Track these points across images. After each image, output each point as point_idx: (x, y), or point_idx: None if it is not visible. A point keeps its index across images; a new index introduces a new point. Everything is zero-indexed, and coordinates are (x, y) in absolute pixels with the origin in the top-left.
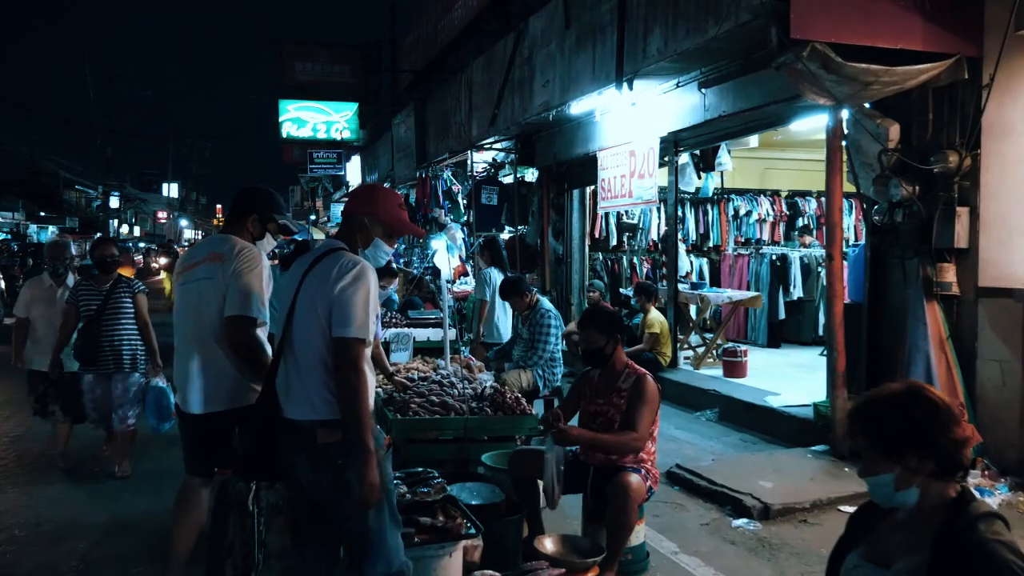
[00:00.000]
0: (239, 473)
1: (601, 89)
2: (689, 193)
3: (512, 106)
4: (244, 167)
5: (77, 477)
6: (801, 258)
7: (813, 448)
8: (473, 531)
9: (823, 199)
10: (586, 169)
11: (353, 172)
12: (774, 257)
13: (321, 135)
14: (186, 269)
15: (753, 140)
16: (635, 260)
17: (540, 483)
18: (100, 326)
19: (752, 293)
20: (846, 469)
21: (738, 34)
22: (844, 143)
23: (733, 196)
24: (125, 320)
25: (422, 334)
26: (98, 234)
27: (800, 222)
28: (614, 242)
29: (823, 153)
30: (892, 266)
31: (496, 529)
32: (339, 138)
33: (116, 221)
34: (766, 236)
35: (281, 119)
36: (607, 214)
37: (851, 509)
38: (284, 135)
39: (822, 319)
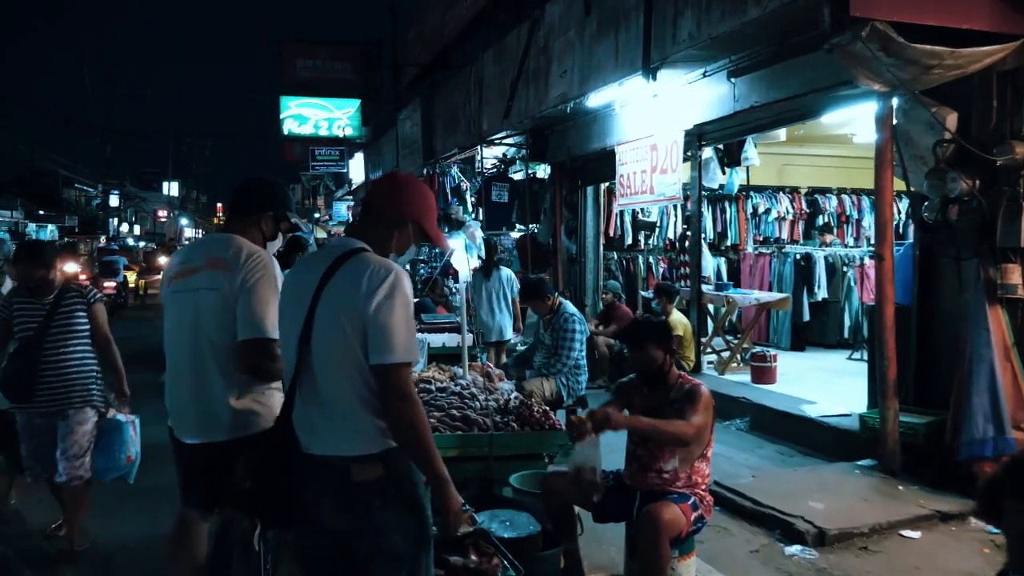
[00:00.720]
0: (244, 511)
1: (625, 78)
2: (712, 190)
3: (526, 99)
4: (244, 165)
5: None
6: (826, 257)
7: (859, 463)
8: (512, 573)
9: (844, 196)
10: (602, 164)
11: (356, 169)
12: (798, 256)
13: (323, 132)
14: (180, 275)
15: (781, 134)
16: (651, 260)
17: (576, 508)
18: (42, 350)
19: (780, 295)
20: (900, 488)
21: (780, 15)
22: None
23: (752, 193)
24: (77, 340)
25: (436, 340)
26: (90, 237)
27: (820, 220)
28: (629, 241)
29: (844, 149)
30: (944, 267)
31: (533, 567)
32: (341, 135)
33: (116, 220)
34: (785, 235)
35: (282, 116)
36: (622, 212)
37: (914, 535)
38: (285, 132)
39: (847, 321)
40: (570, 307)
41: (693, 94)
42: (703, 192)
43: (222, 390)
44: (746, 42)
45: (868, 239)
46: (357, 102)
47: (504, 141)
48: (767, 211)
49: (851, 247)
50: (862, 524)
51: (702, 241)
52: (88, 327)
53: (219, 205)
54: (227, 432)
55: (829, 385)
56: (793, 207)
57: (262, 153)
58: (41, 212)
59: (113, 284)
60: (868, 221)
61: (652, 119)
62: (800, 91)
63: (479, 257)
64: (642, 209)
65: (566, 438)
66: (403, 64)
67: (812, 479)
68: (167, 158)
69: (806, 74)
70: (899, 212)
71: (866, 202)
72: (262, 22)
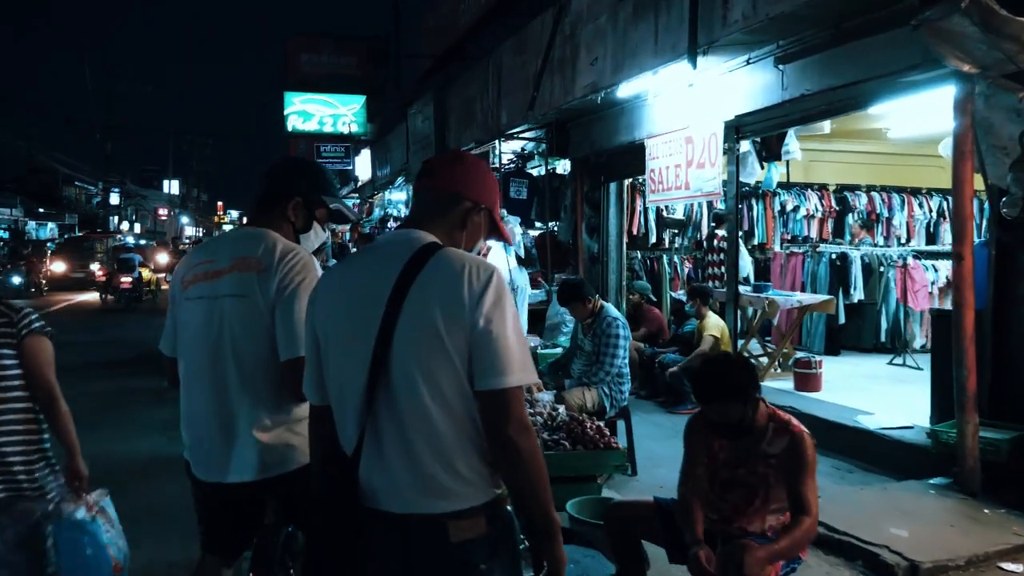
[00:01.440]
0: (280, 563)
1: (666, 64)
2: (749, 185)
3: (551, 89)
4: (246, 163)
5: None
6: (862, 257)
7: (931, 482)
8: None
9: (874, 194)
10: (629, 159)
11: (363, 166)
12: (833, 256)
13: (328, 128)
14: (199, 278)
15: (825, 126)
16: (676, 259)
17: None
18: None
19: (823, 296)
20: (986, 512)
21: None
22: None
23: (779, 190)
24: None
25: None
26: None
27: (850, 218)
28: (653, 239)
29: (875, 144)
30: None
31: None
32: (346, 131)
33: (116, 218)
34: (814, 233)
35: (287, 112)
36: (646, 209)
37: (1015, 568)
38: (290, 129)
39: (884, 324)
40: (612, 310)
41: (734, 83)
42: (740, 188)
43: (252, 420)
44: (799, 25)
45: (899, 238)
46: (362, 98)
47: (523, 135)
48: (795, 208)
49: (880, 246)
50: (956, 556)
51: (739, 240)
52: (19, 374)
53: (219, 204)
54: (258, 470)
55: (878, 393)
56: (822, 204)
57: (263, 151)
58: (41, 210)
59: (129, 280)
60: (899, 220)
61: (687, 110)
62: (859, 78)
63: (517, 257)
64: (667, 207)
65: (622, 457)
66: (409, 56)
67: (885, 500)
68: (167, 156)
69: (866, 59)
70: (930, 210)
71: (896, 200)
72: (263, 20)
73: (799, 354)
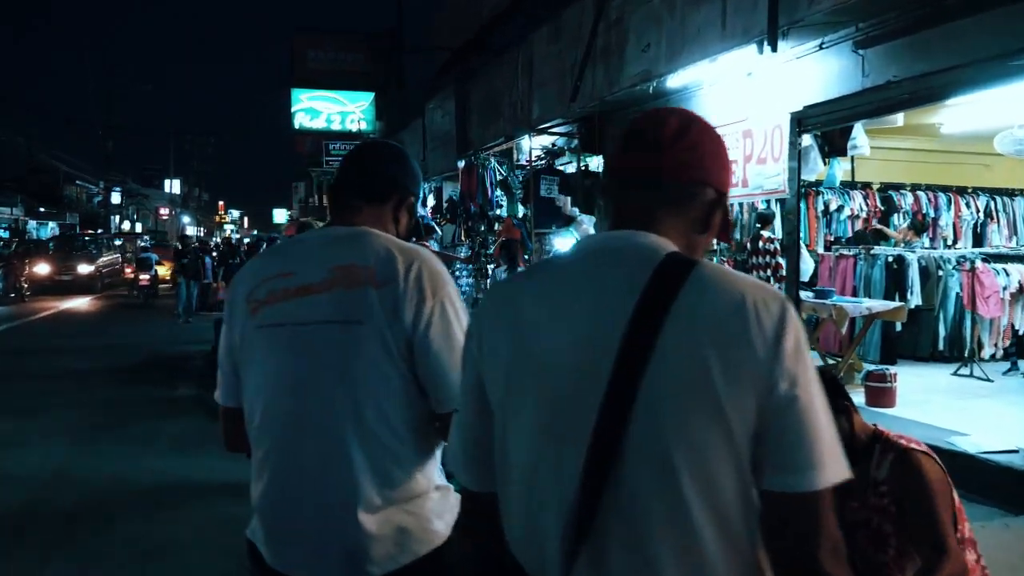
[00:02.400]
0: None
1: (735, 49)
2: (810, 183)
3: (593, 80)
4: (247, 163)
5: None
6: (919, 260)
7: None
8: None
9: (919, 193)
10: None
11: None
12: (889, 259)
13: (335, 126)
14: (278, 297)
15: (899, 118)
16: (716, 261)
17: None
18: None
19: (894, 303)
20: None
21: None
22: None
23: (823, 189)
24: None
25: None
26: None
27: (895, 218)
28: None
29: (920, 141)
30: None
31: None
32: (354, 129)
33: (118, 217)
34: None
35: (294, 109)
36: None
37: None
38: (297, 126)
39: (942, 331)
40: None
41: (801, 70)
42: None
43: (357, 497)
44: (882, 6)
45: (945, 239)
46: (371, 95)
47: (554, 130)
48: (839, 208)
49: (926, 248)
50: None
51: (801, 241)
52: None
53: (220, 203)
54: (361, 567)
55: (954, 408)
56: (867, 204)
57: (265, 150)
58: (42, 209)
59: (147, 277)
60: (945, 220)
61: (746, 101)
62: (957, 62)
63: None
64: None
65: None
66: (414, 51)
67: (1014, 541)
68: (168, 155)
69: (965, 41)
70: (977, 210)
71: (943, 200)
72: (264, 19)
73: (868, 367)
